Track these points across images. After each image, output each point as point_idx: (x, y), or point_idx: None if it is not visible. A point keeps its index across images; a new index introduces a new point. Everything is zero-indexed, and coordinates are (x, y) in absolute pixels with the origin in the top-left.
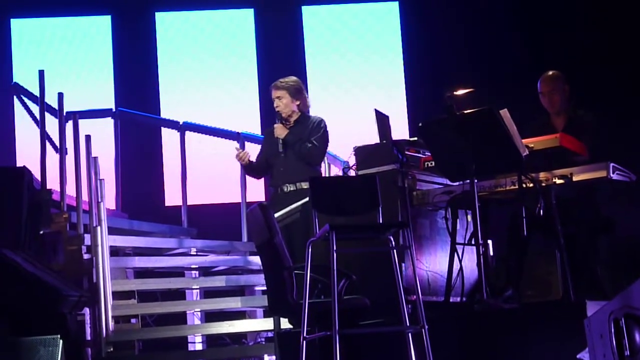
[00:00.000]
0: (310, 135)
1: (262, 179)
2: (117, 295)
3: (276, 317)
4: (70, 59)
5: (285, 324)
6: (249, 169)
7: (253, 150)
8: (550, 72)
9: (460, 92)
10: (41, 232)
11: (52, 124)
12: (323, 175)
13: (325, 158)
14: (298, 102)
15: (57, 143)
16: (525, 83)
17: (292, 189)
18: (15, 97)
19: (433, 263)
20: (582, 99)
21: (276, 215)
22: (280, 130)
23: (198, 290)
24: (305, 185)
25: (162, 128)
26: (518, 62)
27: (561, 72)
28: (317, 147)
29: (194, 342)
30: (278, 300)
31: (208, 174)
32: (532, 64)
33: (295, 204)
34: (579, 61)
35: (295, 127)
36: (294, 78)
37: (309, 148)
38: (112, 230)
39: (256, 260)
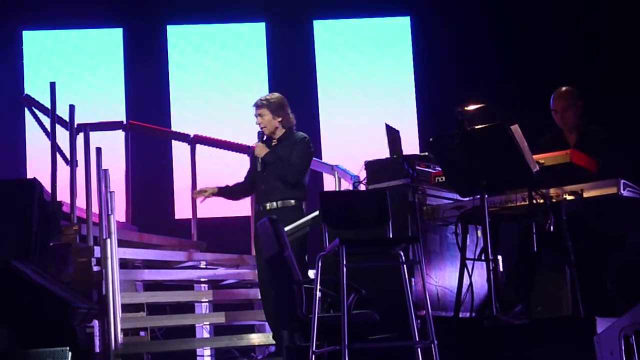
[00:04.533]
0: (292, 153)
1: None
2: (126, 307)
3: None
4: (82, 71)
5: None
6: (223, 194)
7: None
8: (564, 88)
9: (471, 107)
10: (51, 244)
11: (63, 136)
12: (333, 189)
13: (336, 172)
14: (280, 119)
15: (68, 155)
16: (536, 98)
17: (274, 206)
18: (26, 108)
19: (443, 278)
20: (595, 115)
21: (285, 229)
22: (259, 150)
23: (207, 303)
24: (289, 203)
25: (173, 141)
26: (529, 77)
27: (573, 87)
28: (293, 167)
29: (203, 356)
30: (287, 314)
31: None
32: (544, 80)
33: (304, 219)
34: (591, 76)
35: (279, 145)
36: (276, 94)
37: (286, 167)
38: (121, 243)
39: None
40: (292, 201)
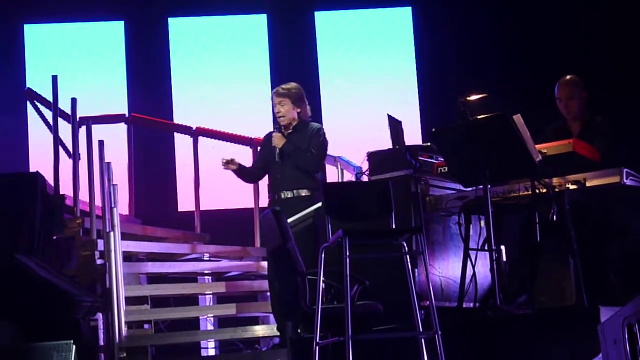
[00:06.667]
0: (310, 143)
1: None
2: (130, 300)
3: (288, 322)
4: (84, 64)
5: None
6: (240, 173)
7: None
8: (568, 77)
9: (473, 97)
10: (54, 238)
11: (65, 130)
12: (336, 180)
13: (338, 163)
14: (299, 110)
15: (70, 148)
16: (538, 89)
17: (289, 195)
18: (28, 102)
19: (446, 268)
20: (599, 105)
21: (288, 220)
22: (277, 140)
23: (211, 296)
24: (303, 192)
25: (175, 133)
26: (531, 67)
27: (578, 76)
28: (314, 156)
29: (207, 348)
30: (291, 306)
31: (221, 179)
32: (546, 70)
33: (307, 210)
34: (593, 65)
35: (294, 135)
36: (295, 84)
37: (307, 157)
38: (125, 236)
39: None
40: (307, 191)
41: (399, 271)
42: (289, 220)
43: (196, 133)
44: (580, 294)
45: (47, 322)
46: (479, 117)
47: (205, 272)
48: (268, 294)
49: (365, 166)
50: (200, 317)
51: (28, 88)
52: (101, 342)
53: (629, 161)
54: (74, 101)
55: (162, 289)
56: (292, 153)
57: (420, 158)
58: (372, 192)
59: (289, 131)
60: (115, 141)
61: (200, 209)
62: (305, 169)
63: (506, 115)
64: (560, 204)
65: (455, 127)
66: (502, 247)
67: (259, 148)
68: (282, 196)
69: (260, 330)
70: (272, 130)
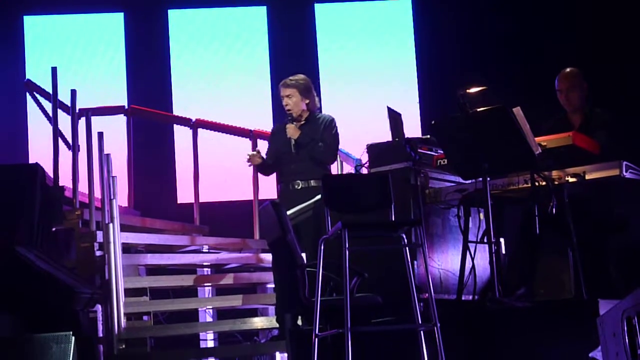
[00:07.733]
0: (323, 134)
1: (274, 175)
2: (129, 292)
3: (287, 314)
4: (83, 56)
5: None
6: (262, 167)
7: (265, 147)
8: (568, 69)
9: (473, 90)
10: (54, 229)
11: (64, 121)
12: (335, 172)
13: (338, 156)
14: (307, 101)
15: (70, 140)
16: (539, 80)
17: (303, 185)
18: (28, 94)
19: (445, 261)
20: (599, 97)
21: (288, 212)
22: (292, 131)
23: (210, 288)
24: (314, 183)
25: (175, 125)
26: (531, 60)
27: (578, 68)
28: (330, 148)
29: (206, 340)
30: (290, 298)
31: (220, 171)
32: (546, 62)
33: (306, 203)
34: (593, 58)
35: (305, 126)
36: (302, 76)
37: (322, 149)
38: (124, 228)
39: (268, 257)
40: (317, 181)
41: (398, 263)
42: (289, 212)
43: (195, 125)
44: (579, 286)
45: (46, 313)
46: (478, 109)
47: (205, 264)
48: (267, 286)
49: (364, 158)
50: (199, 309)
51: (28, 80)
52: (100, 334)
53: (630, 150)
54: (73, 93)
55: (161, 280)
56: (307, 144)
57: (419, 150)
58: (371, 185)
59: (301, 123)
60: (115, 133)
61: (200, 201)
62: (322, 160)
63: (506, 107)
64: (560, 197)
65: (455, 120)
66: (502, 240)
67: (258, 140)
68: (296, 186)
69: (259, 322)
70: (278, 122)
